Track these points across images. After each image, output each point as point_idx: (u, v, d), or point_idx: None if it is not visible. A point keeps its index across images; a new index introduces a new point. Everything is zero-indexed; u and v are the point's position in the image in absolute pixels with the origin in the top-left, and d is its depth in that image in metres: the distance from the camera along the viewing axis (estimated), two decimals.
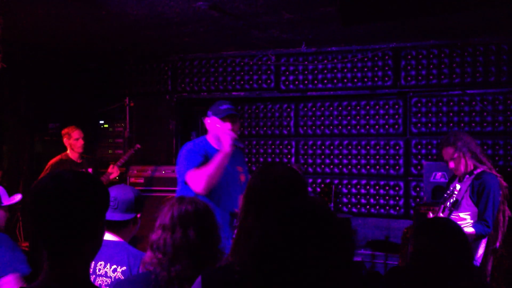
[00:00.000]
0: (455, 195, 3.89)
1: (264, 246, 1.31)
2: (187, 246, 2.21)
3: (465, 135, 4.13)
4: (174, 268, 2.17)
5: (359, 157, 6.48)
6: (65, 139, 5.95)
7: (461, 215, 4.00)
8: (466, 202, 4.01)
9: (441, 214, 3.91)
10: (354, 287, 1.37)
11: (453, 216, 3.93)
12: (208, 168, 3.46)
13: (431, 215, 4.17)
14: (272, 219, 1.34)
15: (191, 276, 2.11)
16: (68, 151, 5.97)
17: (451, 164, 4.09)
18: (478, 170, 4.03)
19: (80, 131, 5.95)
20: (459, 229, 2.41)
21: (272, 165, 2.06)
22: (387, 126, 6.33)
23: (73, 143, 5.90)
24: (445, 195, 3.98)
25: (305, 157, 6.74)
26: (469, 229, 3.86)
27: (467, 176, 4.09)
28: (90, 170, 6.06)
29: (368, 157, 6.43)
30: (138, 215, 2.73)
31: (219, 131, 3.63)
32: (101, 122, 7.31)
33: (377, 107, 6.38)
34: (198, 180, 3.47)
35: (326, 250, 1.25)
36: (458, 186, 3.93)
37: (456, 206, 4.01)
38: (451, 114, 6.00)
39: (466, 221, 3.97)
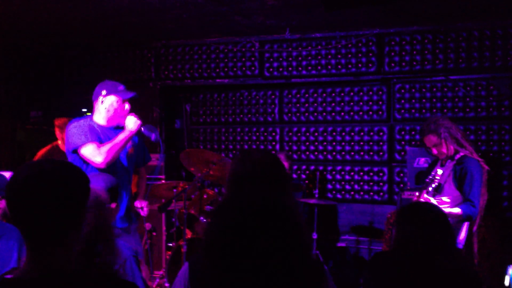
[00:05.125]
0: (437, 180, 3.91)
1: (210, 237, 1.35)
2: None
3: (446, 120, 4.13)
4: None
5: (343, 143, 6.49)
6: (57, 131, 5.78)
7: (444, 198, 4.03)
8: (449, 187, 4.04)
9: (425, 197, 3.93)
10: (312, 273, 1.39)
11: (436, 200, 3.96)
12: (114, 144, 3.61)
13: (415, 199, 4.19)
14: (224, 210, 1.36)
15: None
16: (59, 141, 5.83)
17: (434, 151, 4.12)
18: (460, 155, 4.06)
19: None
20: (440, 212, 2.43)
21: (251, 151, 2.07)
22: (371, 112, 6.35)
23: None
24: (427, 180, 4.00)
25: (290, 144, 6.74)
26: (456, 210, 3.88)
27: (449, 160, 4.11)
28: None
29: (352, 143, 6.45)
30: (113, 206, 2.67)
31: (121, 112, 3.80)
32: (84, 110, 7.22)
33: (361, 93, 6.40)
34: (101, 153, 3.55)
35: (269, 245, 1.27)
36: (440, 171, 3.96)
37: (439, 190, 4.04)
38: (434, 100, 6.03)
39: (448, 204, 4.00)
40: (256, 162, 1.97)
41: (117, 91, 3.81)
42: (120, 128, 3.84)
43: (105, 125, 3.83)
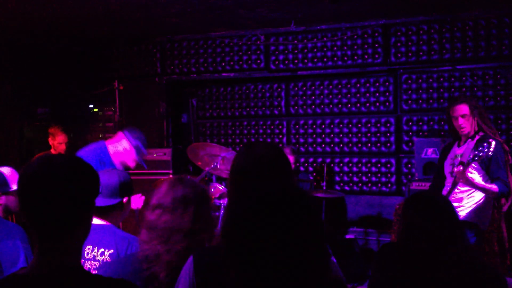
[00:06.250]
0: (483, 154, 3.83)
1: (232, 222, 1.34)
2: (183, 227, 2.17)
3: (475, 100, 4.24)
4: (167, 248, 2.16)
5: (350, 135, 6.48)
6: (50, 138, 5.99)
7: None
8: (473, 167, 4.01)
9: (470, 171, 3.89)
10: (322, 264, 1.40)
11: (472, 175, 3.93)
12: None
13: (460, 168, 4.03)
14: (243, 199, 1.36)
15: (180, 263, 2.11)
16: (51, 150, 6.03)
17: (460, 121, 4.10)
18: (480, 135, 4.06)
19: (65, 136, 5.97)
20: (447, 203, 2.42)
21: (254, 144, 2.05)
22: (377, 104, 6.32)
23: (56, 145, 5.96)
24: (464, 160, 3.94)
25: (297, 136, 6.73)
26: (492, 186, 3.89)
27: (469, 140, 4.10)
28: None
29: (360, 135, 6.43)
30: (125, 200, 2.71)
31: (125, 160, 4.20)
32: (91, 106, 7.25)
33: (368, 84, 6.37)
34: None
35: (291, 228, 1.28)
36: (459, 154, 3.96)
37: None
38: (441, 90, 6.00)
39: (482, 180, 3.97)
40: (260, 155, 1.95)
41: (140, 151, 4.21)
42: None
43: (111, 156, 4.22)
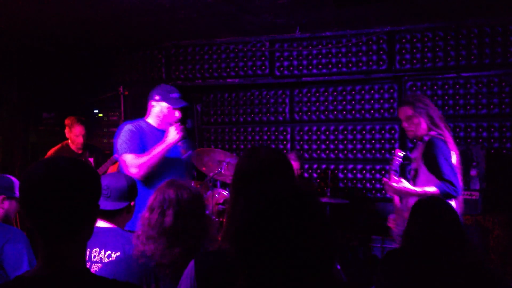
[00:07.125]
0: (398, 161, 3.78)
1: (242, 226, 1.34)
2: (162, 227, 2.25)
3: (426, 99, 3.98)
4: (154, 247, 2.22)
5: (354, 142, 6.47)
6: (66, 130, 5.76)
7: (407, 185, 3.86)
8: (424, 172, 3.85)
9: (394, 179, 3.83)
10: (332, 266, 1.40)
11: (399, 183, 3.83)
12: (150, 158, 3.61)
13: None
14: (252, 201, 1.37)
15: (173, 260, 2.16)
16: (69, 141, 5.84)
17: (405, 124, 3.93)
18: (429, 136, 3.85)
19: (82, 128, 5.68)
20: (447, 208, 2.42)
21: (257, 148, 2.07)
22: (382, 111, 6.32)
23: (73, 138, 5.72)
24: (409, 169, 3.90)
25: (301, 143, 6.73)
26: (431, 189, 3.67)
27: (420, 143, 3.95)
28: (91, 160, 5.96)
29: (364, 141, 6.43)
30: (132, 203, 2.73)
31: (170, 119, 3.81)
32: (96, 111, 7.26)
33: (372, 91, 6.37)
34: (136, 165, 3.60)
35: (302, 229, 1.29)
36: (413, 159, 3.87)
37: (415, 177, 3.92)
38: (446, 97, 5.99)
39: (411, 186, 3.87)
40: (263, 159, 1.96)
41: (169, 99, 3.82)
42: None
43: (156, 126, 3.89)
